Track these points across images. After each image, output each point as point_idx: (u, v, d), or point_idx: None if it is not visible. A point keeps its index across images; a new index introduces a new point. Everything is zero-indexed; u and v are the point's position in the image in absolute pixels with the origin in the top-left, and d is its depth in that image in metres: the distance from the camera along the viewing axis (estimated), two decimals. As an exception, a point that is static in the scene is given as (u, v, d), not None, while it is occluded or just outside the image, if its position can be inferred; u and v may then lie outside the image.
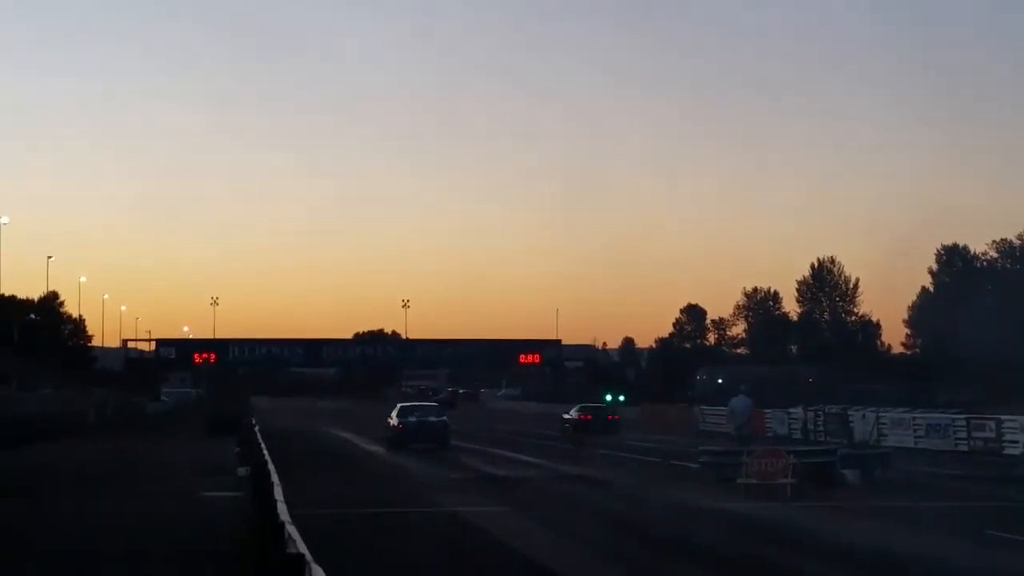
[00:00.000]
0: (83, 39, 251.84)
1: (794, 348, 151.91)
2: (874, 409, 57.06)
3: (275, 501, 17.53)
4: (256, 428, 51.23)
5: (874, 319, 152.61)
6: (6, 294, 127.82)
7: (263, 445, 37.60)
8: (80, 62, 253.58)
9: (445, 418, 55.41)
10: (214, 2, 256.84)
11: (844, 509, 27.17)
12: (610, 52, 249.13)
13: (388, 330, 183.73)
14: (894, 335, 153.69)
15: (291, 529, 13.76)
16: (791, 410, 63.94)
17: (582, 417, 69.64)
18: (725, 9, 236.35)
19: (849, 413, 57.24)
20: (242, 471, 32.99)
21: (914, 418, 53.55)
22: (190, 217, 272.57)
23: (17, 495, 31.63)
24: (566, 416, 70.99)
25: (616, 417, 72.00)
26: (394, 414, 55.68)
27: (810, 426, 59.73)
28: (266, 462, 27.11)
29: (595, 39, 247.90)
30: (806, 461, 32.23)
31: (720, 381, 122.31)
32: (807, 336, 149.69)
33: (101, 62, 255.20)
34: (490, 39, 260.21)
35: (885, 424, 54.18)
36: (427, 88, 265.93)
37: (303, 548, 12.28)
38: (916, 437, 51.89)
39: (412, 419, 54.32)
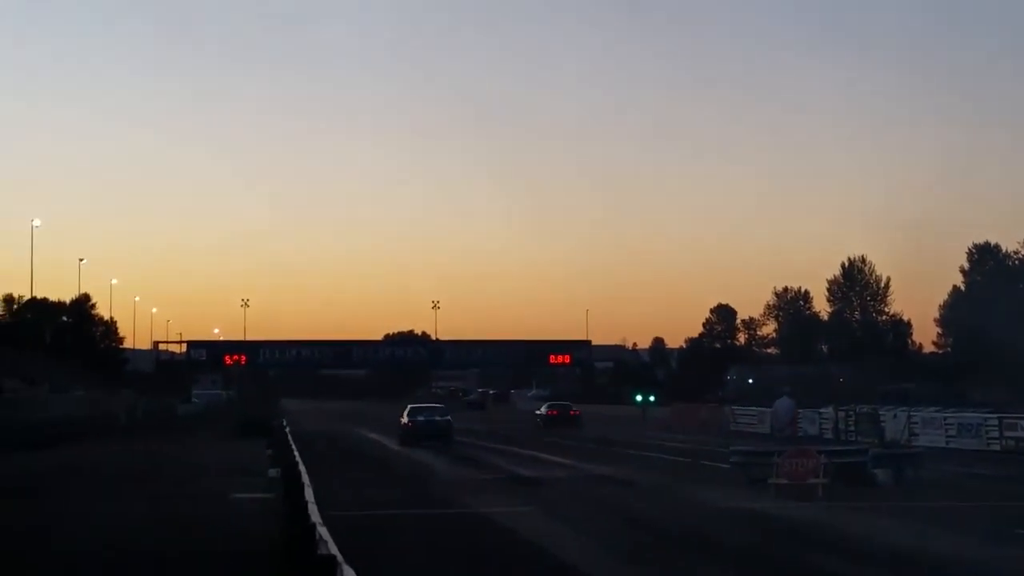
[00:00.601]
0: (111, 41, 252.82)
1: (825, 348, 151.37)
2: (905, 409, 56.86)
3: (306, 502, 17.56)
4: (286, 430, 51.34)
5: (905, 318, 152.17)
6: (38, 296, 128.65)
7: (293, 447, 37.66)
8: (110, 62, 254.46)
9: (449, 417, 61.50)
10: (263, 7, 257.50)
11: (876, 509, 27.03)
12: (638, 52, 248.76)
13: (418, 331, 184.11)
14: (925, 334, 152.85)
15: (322, 530, 13.78)
16: (822, 410, 63.75)
17: (550, 413, 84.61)
18: (750, 8, 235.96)
19: (880, 413, 57.04)
20: (272, 472, 33.04)
21: (945, 418, 53.33)
22: (220, 219, 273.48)
23: (47, 496, 31.75)
24: (538, 412, 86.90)
25: (576, 412, 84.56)
26: (405, 414, 61.61)
27: (841, 426, 59.56)
28: (296, 463, 27.13)
29: (625, 40, 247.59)
30: (837, 461, 32.07)
31: (751, 381, 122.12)
32: (838, 336, 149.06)
33: (129, 63, 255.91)
34: (504, 33, 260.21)
35: (916, 424, 53.98)
36: (455, 89, 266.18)
37: (334, 549, 12.30)
38: (948, 437, 51.69)
39: (420, 418, 60.68)
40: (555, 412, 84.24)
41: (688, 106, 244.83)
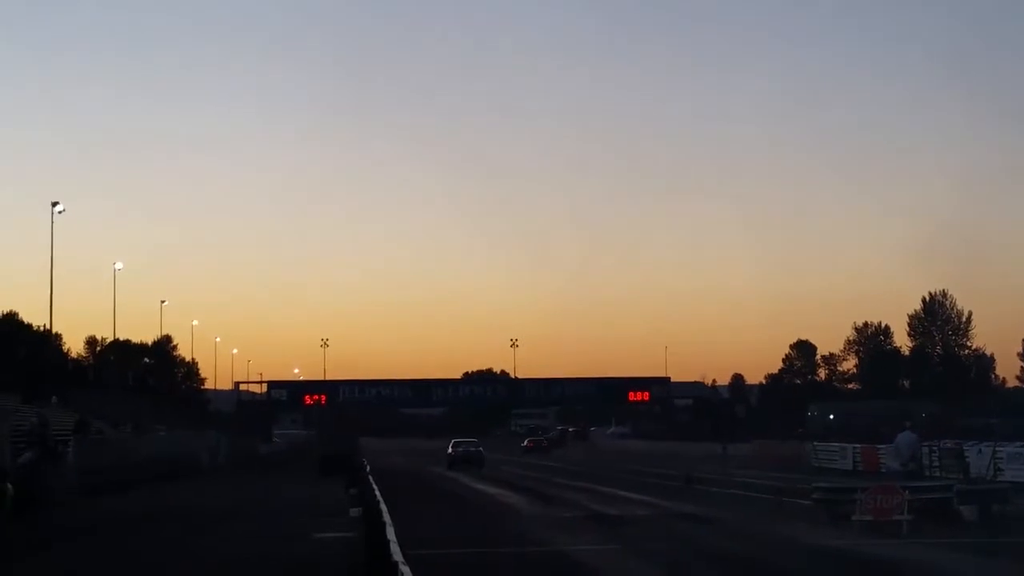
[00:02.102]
0: (188, 76, 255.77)
1: (906, 383, 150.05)
2: (990, 444, 56.11)
3: (388, 541, 17.63)
4: (367, 468, 51.52)
5: (988, 352, 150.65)
6: (121, 338, 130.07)
7: (374, 485, 37.80)
8: (186, 98, 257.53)
9: (480, 448, 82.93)
10: (333, 44, 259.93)
11: (962, 546, 26.73)
12: (714, 84, 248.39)
13: (497, 369, 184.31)
14: (1009, 368, 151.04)
15: (404, 570, 13.84)
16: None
17: (529, 444, 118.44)
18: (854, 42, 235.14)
19: (965, 448, 56.31)
20: (354, 512, 33.15)
21: (1032, 453, 52.56)
22: (299, 259, 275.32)
23: (129, 536, 32.04)
24: (523, 444, 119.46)
25: (545, 443, 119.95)
26: (450, 446, 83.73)
27: (925, 462, 58.85)
28: (378, 502, 27.24)
29: (689, 63, 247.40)
30: (922, 497, 31.72)
31: (831, 417, 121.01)
32: (919, 371, 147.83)
33: (209, 97, 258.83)
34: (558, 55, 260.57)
35: (1001, 459, 53.22)
36: (531, 126, 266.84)
37: (417, 588, 12.34)
38: (1034, 472, 50.92)
39: (460, 449, 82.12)
40: (532, 444, 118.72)
41: (764, 138, 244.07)
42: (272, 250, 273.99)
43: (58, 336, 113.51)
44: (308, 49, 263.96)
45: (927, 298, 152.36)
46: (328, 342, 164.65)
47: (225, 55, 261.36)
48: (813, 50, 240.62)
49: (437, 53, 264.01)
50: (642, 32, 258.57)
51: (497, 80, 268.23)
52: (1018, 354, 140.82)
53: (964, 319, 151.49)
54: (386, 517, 23.21)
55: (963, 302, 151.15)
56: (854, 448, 67.67)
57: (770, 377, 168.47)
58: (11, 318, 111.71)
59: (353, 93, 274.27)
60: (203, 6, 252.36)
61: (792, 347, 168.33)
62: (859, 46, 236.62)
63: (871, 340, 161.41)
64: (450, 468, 76.62)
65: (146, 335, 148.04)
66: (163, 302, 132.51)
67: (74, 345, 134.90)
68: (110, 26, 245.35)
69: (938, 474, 54.58)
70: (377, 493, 32.45)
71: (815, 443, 78.38)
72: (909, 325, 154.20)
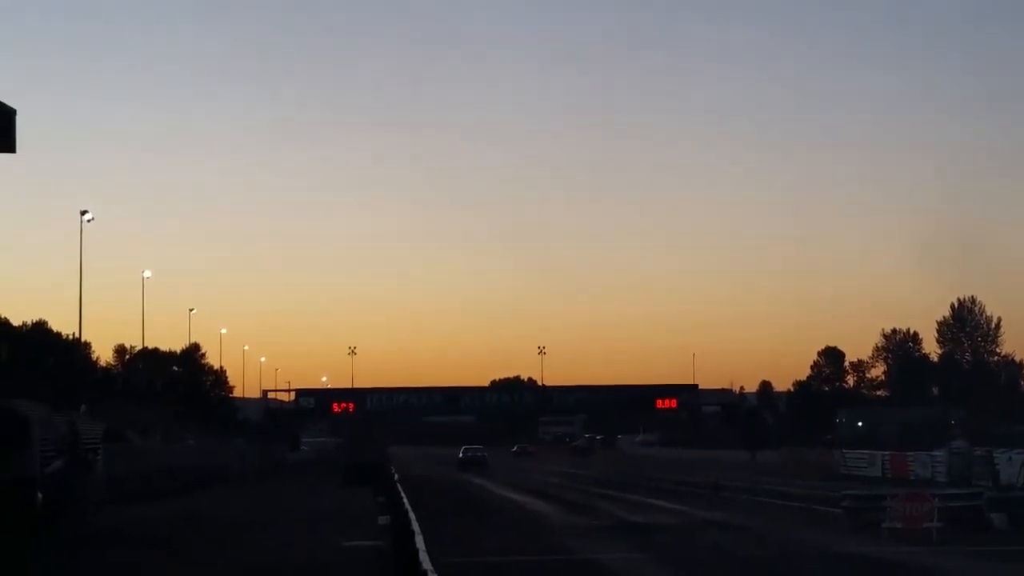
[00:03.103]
0: (225, 94, 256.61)
1: (935, 390, 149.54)
2: (1020, 451, 55.86)
3: (416, 549, 17.66)
4: (395, 477, 51.57)
5: (1017, 359, 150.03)
6: (149, 347, 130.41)
7: (402, 493, 37.82)
8: (215, 105, 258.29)
9: (485, 454, 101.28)
10: (357, 61, 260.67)
11: (992, 554, 26.63)
12: (747, 97, 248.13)
13: (524, 377, 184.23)
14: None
15: (434, 577, 13.85)
16: (934, 452, 62.78)
17: (517, 451, 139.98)
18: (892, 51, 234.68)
19: (995, 455, 56.07)
20: (383, 520, 33.18)
21: (1062, 461, 52.31)
22: (326, 268, 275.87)
23: (160, 545, 32.12)
24: (512, 450, 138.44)
25: (530, 449, 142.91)
26: (461, 451, 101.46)
27: (954, 470, 58.59)
28: (406, 510, 27.27)
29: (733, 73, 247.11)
30: (952, 505, 31.57)
31: (860, 424, 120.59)
32: (949, 377, 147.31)
33: (235, 104, 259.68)
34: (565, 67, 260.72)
35: (1032, 466, 52.98)
36: (578, 136, 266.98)
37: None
38: (1064, 480, 50.69)
39: (468, 454, 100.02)
40: (520, 450, 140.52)
41: (790, 143, 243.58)
42: (300, 258, 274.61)
43: (87, 344, 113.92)
44: (341, 55, 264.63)
45: (956, 304, 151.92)
46: (356, 350, 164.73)
47: (253, 60, 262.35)
48: (844, 49, 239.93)
49: (479, 70, 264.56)
50: (694, 25, 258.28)
51: (513, 85, 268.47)
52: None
53: (993, 326, 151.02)
54: (415, 525, 23.23)
55: (992, 308, 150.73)
56: (883, 455, 67.47)
57: (798, 384, 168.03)
58: (40, 327, 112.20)
59: (375, 101, 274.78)
60: (239, 19, 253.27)
61: (820, 354, 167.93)
62: (899, 43, 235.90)
63: (900, 347, 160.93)
64: (460, 469, 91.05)
65: (174, 343, 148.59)
66: (191, 310, 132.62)
67: (103, 353, 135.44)
68: (137, 35, 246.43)
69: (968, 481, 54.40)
70: (405, 501, 32.47)
71: (844, 450, 78.18)
72: (938, 332, 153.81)
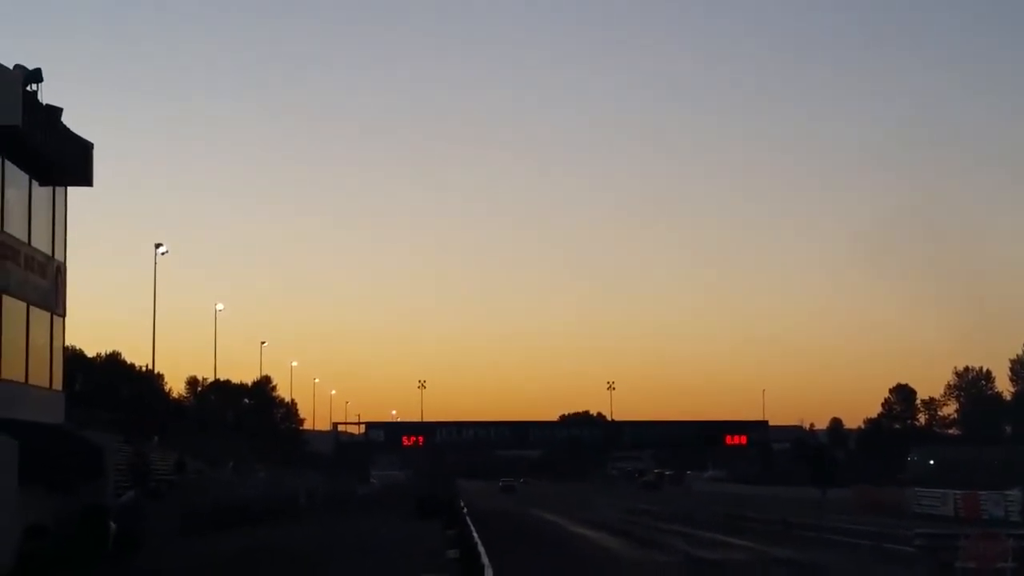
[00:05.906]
0: (275, 130, 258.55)
1: (1008, 428, 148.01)
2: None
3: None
4: (464, 510, 51.58)
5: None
6: (221, 379, 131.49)
7: (472, 527, 37.85)
8: (281, 142, 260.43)
9: (515, 484, 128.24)
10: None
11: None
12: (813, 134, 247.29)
13: (593, 412, 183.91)
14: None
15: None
16: (1007, 492, 62.15)
17: (503, 484, 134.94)
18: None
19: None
20: (452, 553, 33.24)
21: None
22: (397, 301, 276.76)
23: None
24: (499, 484, 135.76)
25: (513, 484, 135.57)
26: (500, 483, 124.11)
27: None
28: (475, 544, 27.31)
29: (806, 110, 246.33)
30: (1026, 545, 31.22)
31: (932, 462, 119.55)
32: (1021, 416, 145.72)
33: (300, 142, 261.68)
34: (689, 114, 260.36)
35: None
36: (650, 169, 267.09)
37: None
38: None
39: (504, 483, 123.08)
40: (504, 484, 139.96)
41: (864, 178, 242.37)
42: (370, 292, 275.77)
43: (160, 376, 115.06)
44: (417, 90, 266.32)
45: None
46: (425, 383, 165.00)
47: (300, 93, 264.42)
48: (933, 84, 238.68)
49: (569, 100, 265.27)
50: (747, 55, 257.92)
51: (589, 118, 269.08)
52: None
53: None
54: (484, 559, 23.28)
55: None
56: (955, 494, 66.85)
57: (869, 421, 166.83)
58: (114, 358, 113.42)
59: (440, 137, 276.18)
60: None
61: (892, 391, 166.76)
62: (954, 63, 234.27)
63: (972, 385, 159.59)
64: (502, 493, 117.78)
65: (246, 376, 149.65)
66: (263, 343, 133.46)
67: (175, 385, 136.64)
68: (214, 78, 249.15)
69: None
70: (475, 535, 32.49)
71: (916, 489, 77.53)
72: (1011, 370, 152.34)
